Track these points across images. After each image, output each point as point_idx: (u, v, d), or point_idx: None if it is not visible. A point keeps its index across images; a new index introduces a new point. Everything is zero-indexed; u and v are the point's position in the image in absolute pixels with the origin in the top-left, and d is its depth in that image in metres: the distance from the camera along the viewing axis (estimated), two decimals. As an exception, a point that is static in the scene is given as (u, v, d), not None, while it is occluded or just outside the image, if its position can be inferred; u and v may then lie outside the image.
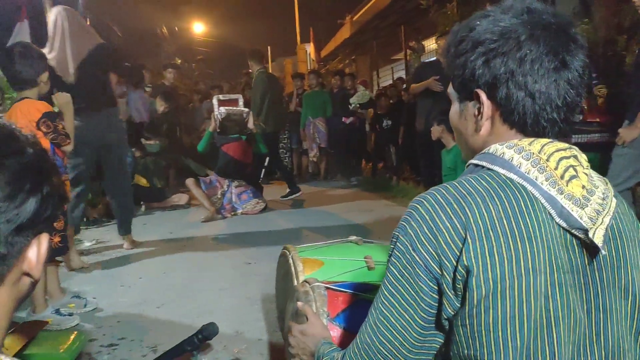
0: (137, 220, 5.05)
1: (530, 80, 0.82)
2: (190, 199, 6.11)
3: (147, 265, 3.85)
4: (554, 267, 0.78)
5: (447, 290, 0.80)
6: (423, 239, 0.80)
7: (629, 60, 4.57)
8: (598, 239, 0.78)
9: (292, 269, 1.64)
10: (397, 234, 0.86)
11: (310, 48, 18.76)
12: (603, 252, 0.79)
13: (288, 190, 6.45)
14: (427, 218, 0.81)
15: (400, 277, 0.84)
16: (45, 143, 2.77)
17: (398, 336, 0.85)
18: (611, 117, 4.07)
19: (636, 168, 3.08)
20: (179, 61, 15.71)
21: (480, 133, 0.90)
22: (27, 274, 0.67)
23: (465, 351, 0.80)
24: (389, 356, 0.86)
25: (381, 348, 0.87)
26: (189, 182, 5.50)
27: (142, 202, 6.11)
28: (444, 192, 0.82)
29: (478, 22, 0.87)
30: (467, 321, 0.78)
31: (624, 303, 0.83)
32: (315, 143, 7.89)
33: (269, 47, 25.03)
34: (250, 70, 7.64)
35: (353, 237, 1.88)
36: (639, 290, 0.84)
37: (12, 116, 2.81)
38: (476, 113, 0.90)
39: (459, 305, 0.80)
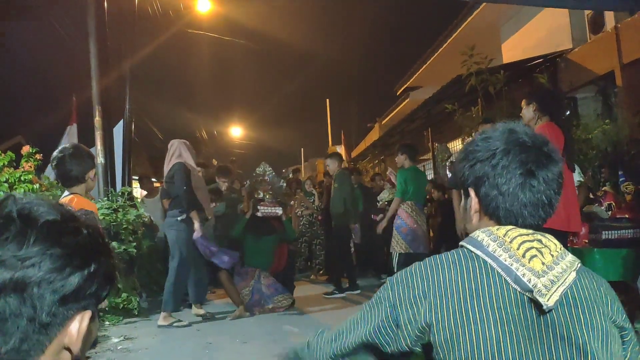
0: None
1: (501, 182, 1.07)
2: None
3: (173, 363, 3.82)
4: (505, 320, 0.96)
5: (404, 327, 1.02)
6: (400, 288, 1.06)
7: (654, 158, 4.61)
8: (551, 301, 0.96)
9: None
10: (389, 279, 1.12)
11: (341, 149, 19.45)
12: (546, 306, 0.96)
13: (334, 289, 6.56)
14: (408, 275, 1.07)
15: (374, 301, 1.10)
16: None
17: (358, 328, 1.09)
18: (640, 213, 4.04)
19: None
20: (215, 162, 16.38)
21: (472, 222, 1.15)
22: (67, 349, 0.73)
23: None
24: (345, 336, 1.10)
25: (344, 334, 1.11)
26: (222, 275, 5.54)
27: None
28: (427, 261, 1.08)
29: (474, 139, 1.16)
30: None
31: None
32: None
33: (302, 149, 26.10)
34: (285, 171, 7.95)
35: None
36: (595, 350, 0.97)
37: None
38: (469, 207, 1.15)
39: (411, 344, 1.01)
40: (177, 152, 5.29)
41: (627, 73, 6.69)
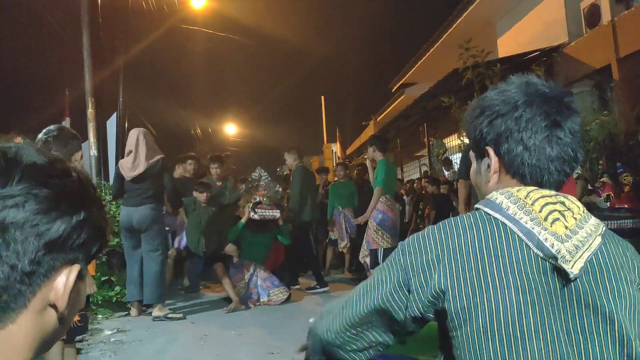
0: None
1: (526, 136, 0.99)
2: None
3: (166, 356, 3.75)
4: (527, 287, 0.89)
5: (416, 292, 0.95)
6: (412, 250, 0.98)
7: (652, 148, 4.60)
8: (576, 268, 0.89)
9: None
10: (401, 243, 1.04)
11: (336, 147, 19.39)
12: (572, 274, 0.89)
13: (315, 283, 6.40)
14: (421, 239, 0.99)
15: (385, 266, 1.03)
16: None
17: (364, 297, 1.02)
18: (639, 203, 4.03)
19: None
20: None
21: (489, 184, 1.05)
22: (53, 306, 0.67)
23: None
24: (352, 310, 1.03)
25: (351, 306, 1.04)
26: (218, 268, 5.48)
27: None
28: (441, 225, 1.00)
29: (487, 94, 1.07)
30: (454, 333, 0.92)
31: (609, 329, 0.90)
32: (346, 233, 7.82)
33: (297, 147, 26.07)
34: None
35: None
36: (622, 318, 0.90)
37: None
38: (487, 168, 1.06)
39: (425, 309, 0.95)
40: (149, 144, 5.13)
41: (624, 66, 6.68)
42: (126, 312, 5.23)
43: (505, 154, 1.01)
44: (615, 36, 6.78)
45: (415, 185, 9.86)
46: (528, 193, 0.96)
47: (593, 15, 7.47)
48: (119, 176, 5.14)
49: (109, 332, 4.42)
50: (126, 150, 5.20)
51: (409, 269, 0.96)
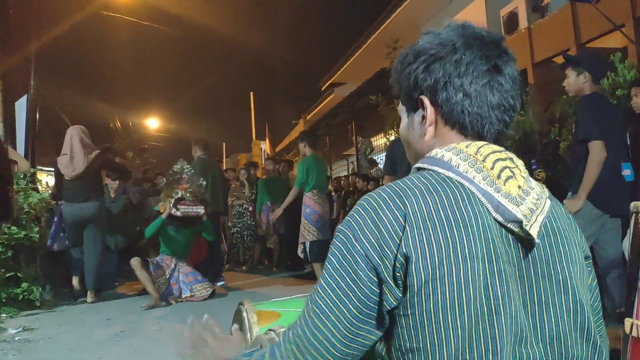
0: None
1: (466, 82, 0.88)
2: None
3: (78, 353, 3.48)
4: (493, 256, 0.78)
5: (388, 279, 0.78)
6: (365, 229, 0.80)
7: (563, 146, 4.91)
8: (533, 233, 0.81)
9: (246, 321, 1.51)
10: (340, 227, 0.85)
11: (265, 145, 19.23)
12: (537, 241, 0.81)
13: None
14: (371, 211, 0.81)
15: (338, 267, 0.82)
16: None
17: (331, 327, 0.80)
18: (552, 195, 4.29)
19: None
20: (131, 154, 15.61)
21: (425, 138, 0.93)
22: None
23: (408, 344, 0.78)
24: (319, 348, 0.81)
25: (312, 339, 0.81)
26: (134, 262, 5.18)
27: None
28: (388, 189, 0.83)
29: (420, 39, 0.94)
30: (410, 310, 0.78)
31: (564, 298, 0.84)
32: (274, 229, 7.72)
33: (224, 144, 25.57)
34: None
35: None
36: (575, 285, 0.85)
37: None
38: (421, 120, 0.94)
39: (400, 294, 0.79)
40: (85, 143, 5.40)
41: (538, 71, 7.13)
42: (35, 311, 4.83)
43: (444, 102, 0.89)
44: (531, 42, 7.22)
45: (342, 182, 9.98)
46: (478, 149, 0.86)
47: (511, 22, 7.93)
48: (58, 173, 5.45)
49: (14, 331, 4.05)
50: (62, 151, 5.40)
51: (375, 259, 0.78)
